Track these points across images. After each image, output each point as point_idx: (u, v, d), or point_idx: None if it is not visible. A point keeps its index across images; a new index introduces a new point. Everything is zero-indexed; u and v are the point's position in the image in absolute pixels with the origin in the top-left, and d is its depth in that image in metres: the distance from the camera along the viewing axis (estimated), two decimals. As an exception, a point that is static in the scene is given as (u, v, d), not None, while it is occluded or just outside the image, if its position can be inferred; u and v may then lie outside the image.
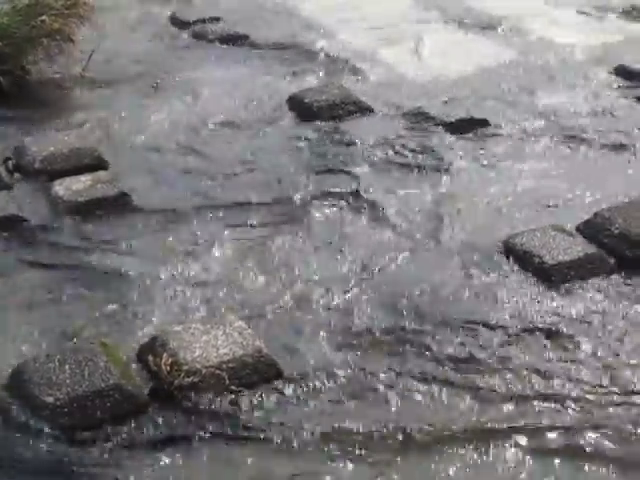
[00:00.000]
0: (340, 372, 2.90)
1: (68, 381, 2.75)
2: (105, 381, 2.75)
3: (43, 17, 4.78)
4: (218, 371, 2.80)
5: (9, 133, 4.32)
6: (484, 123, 4.43)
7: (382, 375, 2.87)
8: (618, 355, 2.95)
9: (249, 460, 2.57)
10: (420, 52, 5.34)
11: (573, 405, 2.72)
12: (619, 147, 4.25)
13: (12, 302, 3.21)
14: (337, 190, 3.93)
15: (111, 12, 5.52)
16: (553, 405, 2.72)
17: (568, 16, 5.91)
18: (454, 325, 3.08)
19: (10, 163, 4.05)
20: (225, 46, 5.42)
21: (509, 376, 2.84)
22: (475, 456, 2.51)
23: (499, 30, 5.63)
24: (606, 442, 2.57)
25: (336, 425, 2.67)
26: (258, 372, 2.85)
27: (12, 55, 4.68)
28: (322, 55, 5.25)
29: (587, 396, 2.75)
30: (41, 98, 4.70)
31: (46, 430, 2.64)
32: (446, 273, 3.37)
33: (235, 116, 4.58)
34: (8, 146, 4.17)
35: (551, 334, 3.05)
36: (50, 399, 2.69)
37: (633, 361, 2.91)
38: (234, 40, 5.47)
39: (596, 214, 3.61)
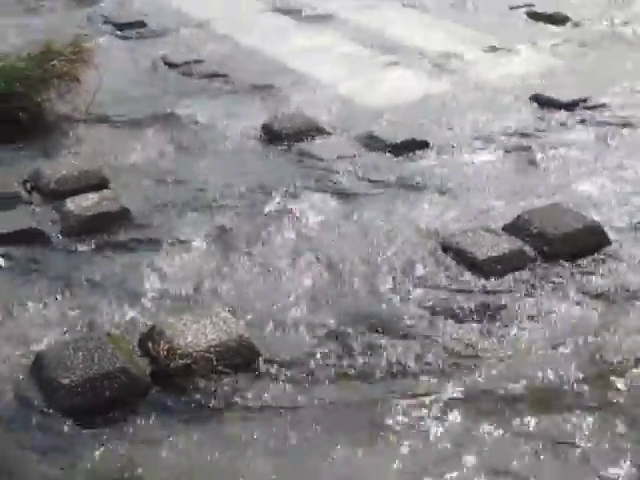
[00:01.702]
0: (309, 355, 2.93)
1: (81, 366, 2.75)
2: (112, 365, 2.76)
3: (54, 62, 4.80)
4: (207, 354, 2.82)
5: (27, 159, 4.32)
6: (425, 144, 4.44)
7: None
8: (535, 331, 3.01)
9: (232, 427, 2.61)
10: (371, 86, 5.34)
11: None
12: (537, 162, 4.27)
13: (32, 298, 3.21)
14: (297, 194, 3.98)
15: (111, 54, 5.50)
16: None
17: (494, 53, 5.88)
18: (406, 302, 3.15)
19: (29, 184, 4.05)
20: (208, 83, 5.37)
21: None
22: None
23: (437, 67, 5.63)
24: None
25: (303, 397, 2.72)
26: (241, 354, 2.87)
27: (28, 94, 4.68)
28: (289, 89, 5.25)
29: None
30: (54, 130, 4.70)
31: (62, 407, 2.65)
32: (400, 266, 3.40)
33: (216, 140, 4.60)
34: (27, 170, 4.16)
35: (481, 311, 3.11)
36: (66, 381, 2.70)
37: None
38: (215, 78, 5.44)
39: (519, 217, 3.64)
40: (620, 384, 2.72)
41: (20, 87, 4.67)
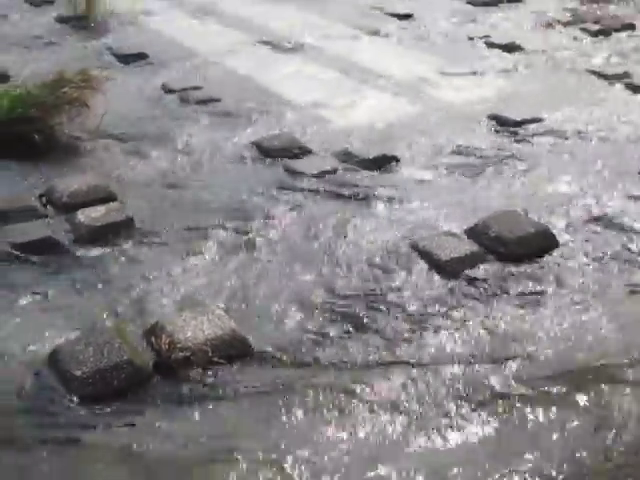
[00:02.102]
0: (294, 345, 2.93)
1: (92, 359, 2.76)
2: (120, 357, 2.77)
3: (65, 89, 4.79)
4: (204, 347, 2.83)
5: (42, 176, 4.31)
6: (391, 159, 4.47)
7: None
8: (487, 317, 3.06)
9: (227, 410, 2.62)
10: (347, 108, 5.37)
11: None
12: (494, 173, 4.30)
13: (49, 298, 3.21)
14: (281, 202, 4.00)
15: (116, 82, 5.49)
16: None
17: (455, 78, 5.92)
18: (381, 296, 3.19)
19: (44, 198, 4.04)
20: (204, 107, 5.37)
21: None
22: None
23: (405, 91, 5.66)
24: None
25: (289, 383, 2.72)
26: (233, 346, 2.88)
27: (43, 118, 4.67)
28: (275, 112, 5.25)
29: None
30: (65, 150, 4.69)
31: (75, 395, 2.66)
32: (373, 263, 3.42)
33: (211, 156, 4.60)
34: (42, 186, 4.16)
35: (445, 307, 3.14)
36: (78, 372, 2.70)
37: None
38: (211, 103, 5.44)
39: (477, 223, 3.67)
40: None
41: (35, 112, 4.66)
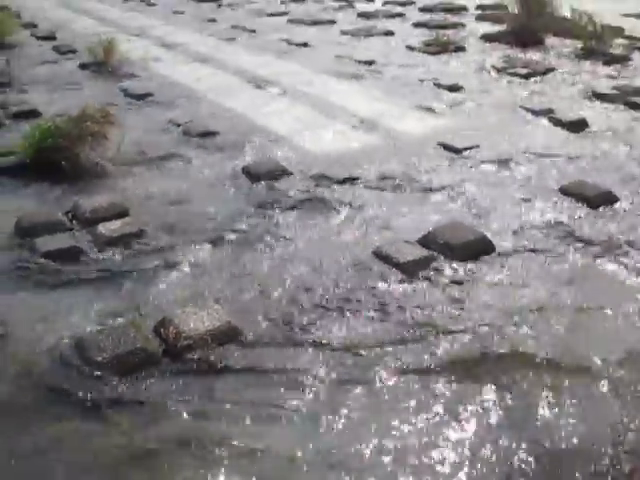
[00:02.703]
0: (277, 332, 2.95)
1: (110, 346, 2.77)
2: (134, 345, 2.79)
3: (87, 123, 4.80)
4: (204, 336, 2.86)
5: (69, 196, 4.32)
6: (357, 180, 4.48)
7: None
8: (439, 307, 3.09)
9: (223, 384, 2.65)
10: (321, 139, 5.39)
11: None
12: (445, 190, 4.34)
13: (75, 296, 3.22)
14: (270, 215, 4.02)
15: (130, 117, 5.52)
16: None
17: (410, 113, 5.95)
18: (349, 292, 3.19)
19: (70, 214, 4.04)
20: (203, 138, 5.39)
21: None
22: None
23: (368, 124, 5.69)
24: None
25: (276, 364, 2.75)
26: (228, 335, 2.90)
27: (69, 147, 4.68)
28: (263, 142, 5.28)
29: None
30: (88, 174, 4.69)
31: (96, 376, 2.67)
32: (343, 268, 3.44)
33: (209, 178, 4.62)
34: (68, 204, 4.16)
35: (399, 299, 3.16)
36: (99, 358, 2.71)
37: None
38: (208, 135, 5.45)
39: (429, 232, 3.71)
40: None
41: (63, 142, 4.67)
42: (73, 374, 2.69)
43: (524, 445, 2.31)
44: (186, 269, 3.46)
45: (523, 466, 2.24)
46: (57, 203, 4.21)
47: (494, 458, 2.27)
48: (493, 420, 2.43)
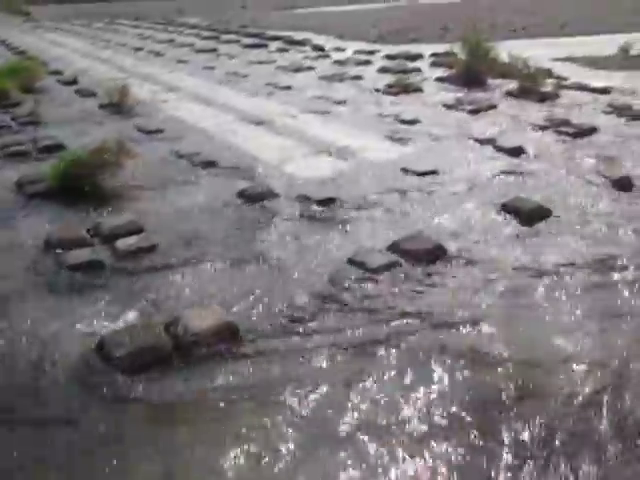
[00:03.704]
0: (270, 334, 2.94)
1: (128, 343, 2.74)
2: (148, 343, 2.77)
3: (106, 155, 4.80)
4: (208, 333, 2.83)
5: (91, 216, 4.29)
6: (334, 200, 4.49)
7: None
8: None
9: (225, 370, 2.62)
10: (303, 166, 5.38)
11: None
12: (406, 207, 4.34)
13: (99, 300, 3.19)
14: (264, 229, 3.99)
15: (142, 149, 5.51)
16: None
17: (376, 144, 5.97)
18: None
19: (91, 231, 4.01)
20: (205, 167, 5.38)
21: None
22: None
23: (341, 153, 5.70)
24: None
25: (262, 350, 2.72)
26: (229, 330, 2.88)
27: (90, 175, 4.67)
28: (255, 170, 5.28)
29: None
30: (107, 197, 4.67)
31: (117, 369, 2.64)
32: (321, 272, 3.43)
33: (210, 200, 4.60)
34: (90, 222, 4.14)
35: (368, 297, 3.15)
36: (119, 353, 2.69)
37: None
38: (210, 164, 5.44)
39: (394, 242, 3.72)
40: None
41: (85, 171, 4.66)
42: (96, 368, 2.67)
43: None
44: (192, 277, 3.44)
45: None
46: (81, 222, 4.17)
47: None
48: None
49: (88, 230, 4.01)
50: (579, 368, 2.57)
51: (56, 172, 4.68)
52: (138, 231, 3.96)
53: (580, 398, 2.40)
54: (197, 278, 3.43)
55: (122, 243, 3.77)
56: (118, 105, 7.76)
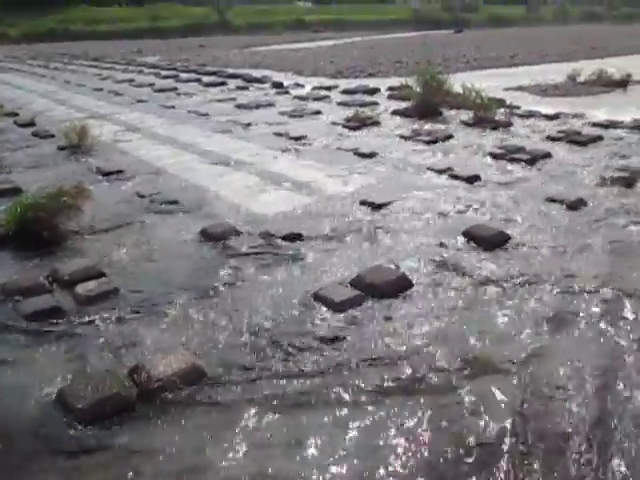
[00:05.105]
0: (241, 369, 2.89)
1: (90, 394, 2.67)
2: (110, 391, 2.70)
3: (64, 198, 4.70)
4: (172, 378, 2.78)
5: (48, 261, 4.19)
6: (300, 236, 4.48)
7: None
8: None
9: (190, 415, 2.57)
10: (265, 203, 5.39)
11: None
12: (371, 238, 4.36)
13: (57, 352, 3.08)
14: (225, 268, 3.94)
15: (100, 191, 5.41)
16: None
17: (335, 178, 5.96)
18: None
19: (50, 277, 3.90)
20: (166, 206, 5.36)
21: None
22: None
23: (302, 188, 5.74)
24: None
25: (233, 397, 2.67)
26: (194, 374, 2.83)
27: (48, 219, 4.56)
28: (217, 209, 5.27)
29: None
30: (65, 241, 4.58)
31: (79, 421, 2.57)
32: (288, 310, 3.40)
33: (171, 239, 4.55)
34: (48, 268, 4.04)
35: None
36: (79, 405, 2.62)
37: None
38: (171, 204, 5.43)
39: (358, 275, 3.72)
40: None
41: (43, 215, 4.54)
42: (56, 422, 2.57)
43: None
44: (155, 320, 3.38)
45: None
46: (39, 268, 4.07)
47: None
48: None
49: (47, 276, 3.91)
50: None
51: (13, 217, 4.56)
52: (98, 275, 3.87)
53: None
54: (160, 323, 3.36)
55: (82, 288, 3.68)
56: (77, 146, 7.68)
